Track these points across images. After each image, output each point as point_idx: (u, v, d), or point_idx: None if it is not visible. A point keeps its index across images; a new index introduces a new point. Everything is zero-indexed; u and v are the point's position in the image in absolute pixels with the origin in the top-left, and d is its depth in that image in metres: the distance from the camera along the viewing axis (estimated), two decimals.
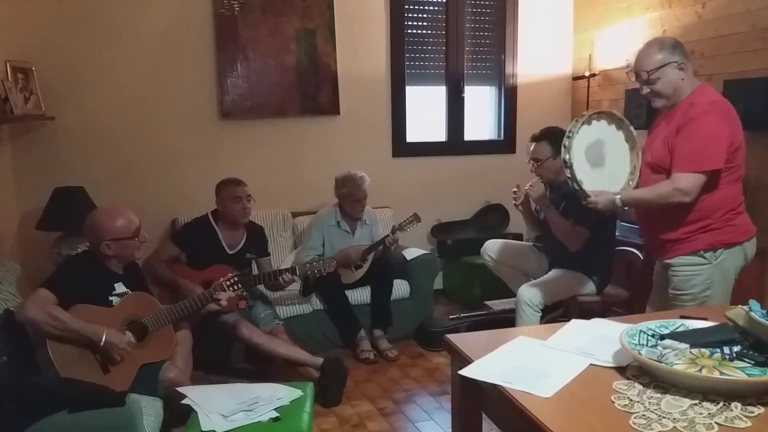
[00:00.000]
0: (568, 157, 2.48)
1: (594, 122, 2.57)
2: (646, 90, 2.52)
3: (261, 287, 3.86)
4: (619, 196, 2.50)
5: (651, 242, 2.73)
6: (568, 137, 2.49)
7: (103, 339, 2.46)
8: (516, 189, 3.39)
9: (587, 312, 3.23)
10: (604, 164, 2.58)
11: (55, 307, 2.44)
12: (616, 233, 3.73)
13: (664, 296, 2.70)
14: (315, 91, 4.55)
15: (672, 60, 2.44)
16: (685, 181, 2.38)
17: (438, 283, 4.83)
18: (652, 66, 2.45)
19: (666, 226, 2.54)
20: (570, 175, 2.50)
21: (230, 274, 3.01)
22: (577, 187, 2.51)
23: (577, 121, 2.54)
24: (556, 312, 3.54)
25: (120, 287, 2.72)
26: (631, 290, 3.52)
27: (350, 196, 3.98)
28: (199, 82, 4.30)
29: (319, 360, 3.26)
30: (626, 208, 2.66)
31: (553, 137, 3.28)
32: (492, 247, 3.73)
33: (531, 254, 3.67)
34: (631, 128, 2.61)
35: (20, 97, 3.57)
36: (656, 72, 2.45)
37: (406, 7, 4.78)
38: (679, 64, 2.45)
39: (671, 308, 2.55)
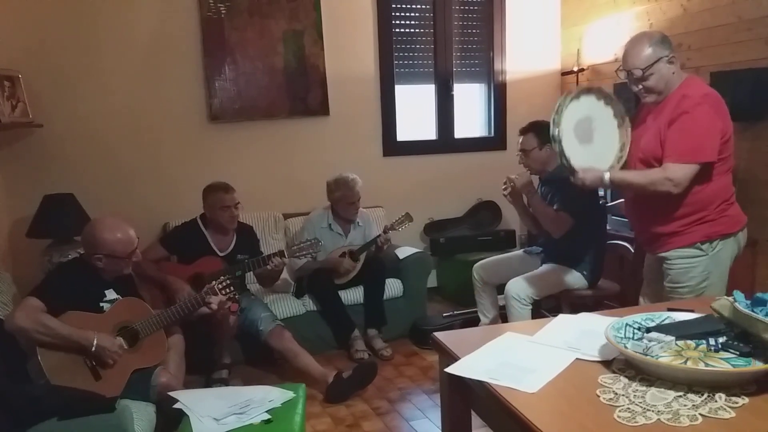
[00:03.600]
0: (557, 131, 2.44)
1: (583, 98, 2.53)
2: (638, 87, 2.50)
3: (254, 287, 3.88)
4: (608, 174, 2.47)
5: (644, 236, 2.71)
6: (557, 112, 2.45)
7: (95, 344, 2.46)
8: (506, 180, 3.39)
9: (580, 306, 3.23)
10: (593, 141, 2.55)
11: (45, 315, 2.43)
12: (608, 227, 3.74)
13: (658, 289, 2.71)
14: (304, 93, 4.54)
15: (663, 54, 2.43)
16: (677, 172, 2.37)
17: (432, 281, 4.84)
18: (646, 63, 2.42)
19: (661, 219, 2.54)
20: (558, 150, 2.45)
21: (222, 277, 3.00)
22: (566, 163, 2.47)
23: (565, 96, 2.50)
24: (547, 306, 3.54)
25: (111, 294, 2.71)
26: (623, 284, 3.53)
27: (344, 200, 3.98)
28: (187, 86, 4.29)
29: (330, 376, 3.28)
30: (603, 194, 2.63)
31: (539, 129, 3.35)
32: (484, 267, 3.62)
33: (523, 261, 3.64)
34: (620, 105, 2.59)
35: (7, 105, 3.56)
36: (650, 68, 2.43)
37: (394, 6, 4.77)
38: (669, 57, 2.45)
39: (667, 301, 2.55)
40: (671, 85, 2.48)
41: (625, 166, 2.61)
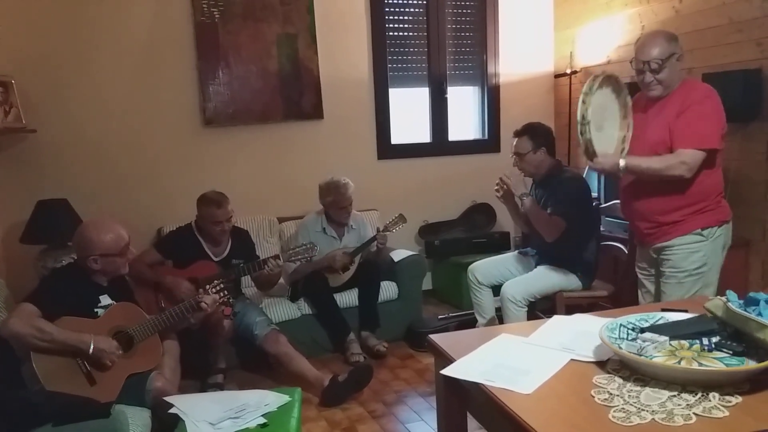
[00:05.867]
0: (586, 113, 2.48)
1: (605, 87, 2.59)
2: (650, 78, 2.59)
3: (250, 292, 3.88)
4: (623, 161, 2.56)
5: (645, 227, 2.77)
6: (586, 94, 2.49)
7: (92, 346, 2.45)
8: (499, 181, 3.41)
9: (574, 307, 3.25)
10: (604, 129, 2.62)
11: (41, 320, 2.42)
12: (601, 228, 3.75)
13: (656, 285, 2.80)
14: (298, 96, 4.55)
15: (675, 51, 2.58)
16: (689, 156, 2.50)
17: (428, 284, 4.85)
18: (664, 55, 2.55)
19: (664, 208, 2.65)
20: (586, 133, 2.49)
21: (216, 281, 3.00)
22: (590, 147, 2.53)
23: (594, 80, 2.54)
24: (542, 307, 3.55)
25: (105, 299, 2.70)
26: (617, 285, 3.54)
27: (335, 204, 3.98)
28: (181, 91, 4.29)
29: (325, 379, 3.27)
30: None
31: (534, 132, 3.39)
32: (479, 269, 3.62)
33: (518, 262, 3.65)
34: (628, 98, 2.65)
35: (0, 111, 3.55)
36: (666, 61, 2.55)
37: (387, 9, 4.79)
38: (679, 55, 2.59)
39: (665, 289, 2.70)
40: (676, 81, 2.62)
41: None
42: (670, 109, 2.58)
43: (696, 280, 2.64)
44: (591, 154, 2.56)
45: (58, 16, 3.96)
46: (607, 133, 2.63)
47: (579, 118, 2.52)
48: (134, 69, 4.18)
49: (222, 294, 2.96)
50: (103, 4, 4.06)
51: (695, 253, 2.63)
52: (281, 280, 4.00)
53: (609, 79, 2.61)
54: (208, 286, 2.93)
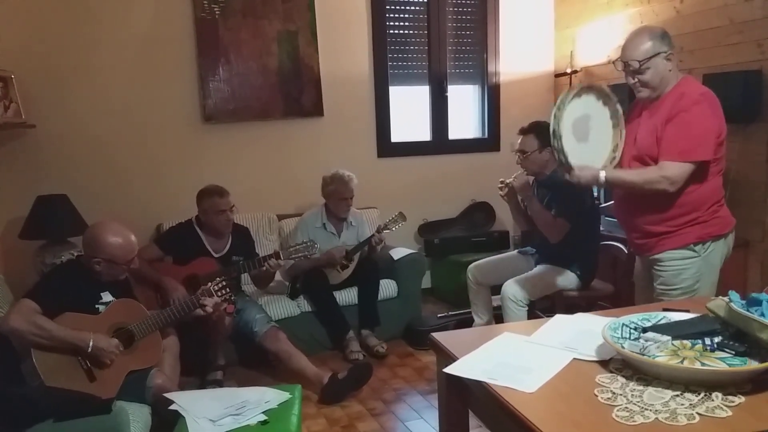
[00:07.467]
0: (558, 127, 2.40)
1: (584, 96, 2.51)
2: (633, 80, 2.48)
3: (249, 288, 3.87)
4: (603, 173, 2.45)
5: (636, 237, 2.68)
6: (559, 108, 2.42)
7: (91, 344, 2.45)
8: (502, 180, 3.38)
9: (573, 306, 3.25)
10: (588, 140, 2.52)
11: (40, 317, 2.42)
12: (601, 228, 3.76)
13: (649, 294, 2.70)
14: (298, 93, 4.54)
15: (661, 50, 2.42)
16: (674, 170, 2.37)
17: (426, 282, 4.85)
18: (643, 56, 2.41)
19: (654, 219, 2.53)
20: (557, 147, 2.42)
21: (218, 278, 2.99)
22: (564, 160, 2.44)
23: (568, 93, 2.47)
24: (541, 307, 3.55)
25: (107, 296, 2.70)
26: (616, 284, 3.55)
27: (336, 194, 3.98)
28: (181, 87, 4.28)
29: (325, 377, 3.27)
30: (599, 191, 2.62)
31: (540, 130, 3.33)
32: (478, 268, 3.62)
33: (517, 261, 3.65)
34: (618, 105, 2.57)
35: (0, 106, 3.54)
36: (647, 62, 2.41)
37: (388, 7, 4.79)
38: (667, 54, 2.43)
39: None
40: (667, 82, 2.47)
41: (618, 165, 2.59)
42: (661, 114, 2.44)
43: (689, 298, 2.45)
44: (566, 167, 2.45)
45: (58, 11, 3.95)
46: (595, 143, 2.53)
47: (551, 132, 2.43)
48: (134, 65, 4.17)
49: (224, 291, 2.94)
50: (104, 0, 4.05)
51: (687, 270, 2.50)
52: (279, 277, 4.01)
53: (589, 89, 2.52)
54: (210, 284, 2.92)
